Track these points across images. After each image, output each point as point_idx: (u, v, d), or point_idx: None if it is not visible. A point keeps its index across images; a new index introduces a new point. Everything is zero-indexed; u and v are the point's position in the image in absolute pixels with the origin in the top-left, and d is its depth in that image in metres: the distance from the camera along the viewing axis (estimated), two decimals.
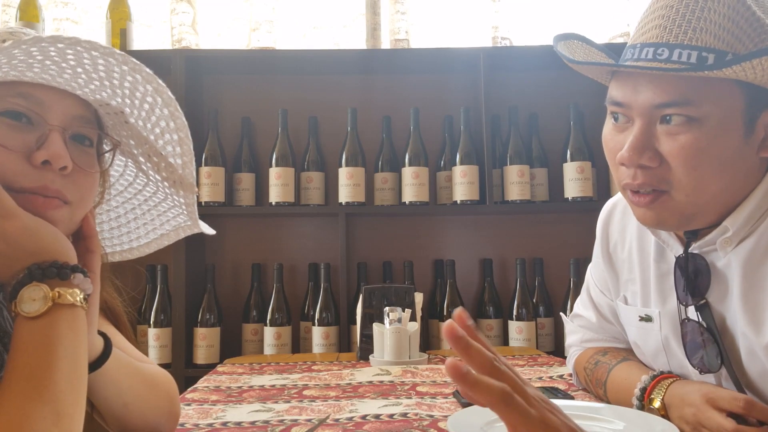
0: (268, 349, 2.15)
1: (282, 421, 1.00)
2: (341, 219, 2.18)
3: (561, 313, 1.35)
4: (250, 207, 2.25)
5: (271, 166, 2.24)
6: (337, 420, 1.00)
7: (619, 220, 1.09)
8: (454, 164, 2.22)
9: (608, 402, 1.05)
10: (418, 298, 1.75)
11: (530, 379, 1.34)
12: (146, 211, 0.88)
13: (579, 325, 1.20)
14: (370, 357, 1.59)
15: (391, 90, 2.42)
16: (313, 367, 1.54)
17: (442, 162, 2.31)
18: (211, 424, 0.98)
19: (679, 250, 0.93)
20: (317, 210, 2.25)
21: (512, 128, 2.27)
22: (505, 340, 2.21)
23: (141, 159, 0.81)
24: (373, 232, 2.38)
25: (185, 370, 2.10)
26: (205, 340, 2.13)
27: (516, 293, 2.22)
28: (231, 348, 2.22)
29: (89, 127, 0.73)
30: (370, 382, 1.33)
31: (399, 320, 1.56)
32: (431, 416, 1.02)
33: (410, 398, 1.16)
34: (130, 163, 0.83)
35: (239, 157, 2.29)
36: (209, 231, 0.88)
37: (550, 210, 2.32)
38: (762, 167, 0.85)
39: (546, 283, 2.29)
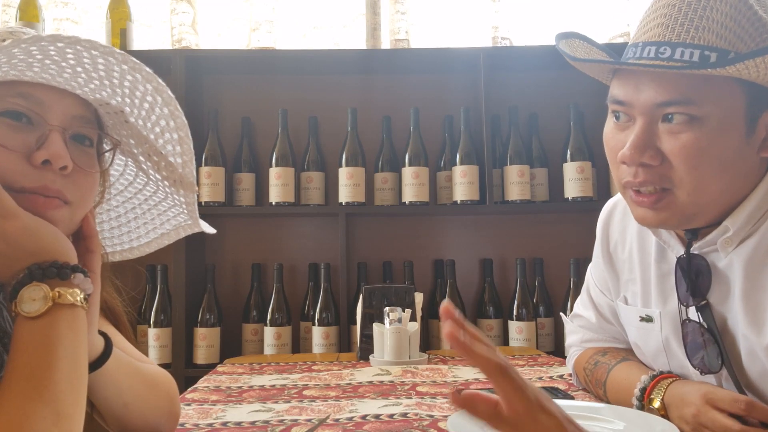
0: (268, 349, 2.15)
1: (282, 421, 1.00)
2: (341, 219, 2.18)
3: (561, 313, 1.35)
4: (250, 207, 2.25)
5: (271, 166, 2.24)
6: (337, 420, 1.00)
7: (619, 221, 1.09)
8: (454, 164, 2.22)
9: (608, 402, 1.05)
10: (418, 298, 1.75)
11: (530, 379, 1.34)
12: (146, 210, 0.88)
13: (579, 326, 1.20)
14: (370, 357, 1.59)
15: (391, 90, 2.42)
16: (313, 367, 1.54)
17: (442, 162, 2.31)
18: (211, 424, 0.98)
19: (680, 251, 0.93)
20: (317, 210, 2.25)
21: (512, 128, 2.27)
22: (505, 340, 2.21)
23: (141, 158, 0.81)
24: (373, 232, 2.38)
25: (185, 370, 2.10)
26: (205, 340, 2.13)
27: (516, 293, 2.22)
28: (231, 348, 2.22)
29: (89, 126, 0.73)
30: (370, 382, 1.33)
31: (399, 320, 1.56)
32: (431, 416, 1.02)
33: (410, 398, 1.16)
34: (130, 163, 0.83)
35: (239, 157, 2.29)
36: (210, 230, 0.88)
37: (550, 210, 2.32)
38: (762, 167, 0.85)
39: (546, 283, 2.29)
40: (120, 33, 2.24)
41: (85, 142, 0.73)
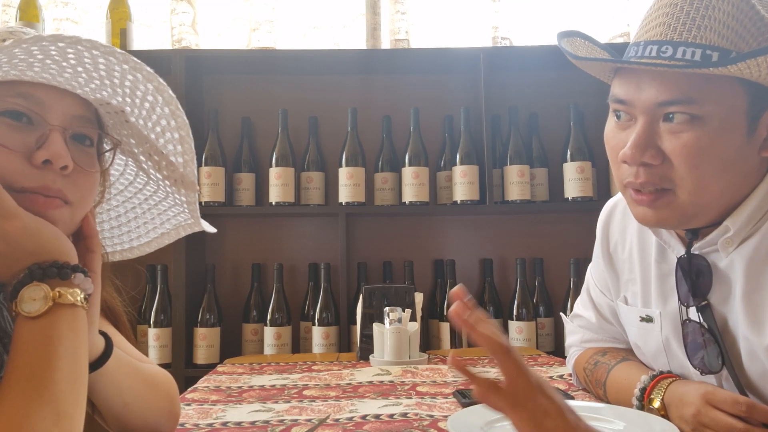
0: (268, 349, 2.15)
1: (282, 421, 1.00)
2: (341, 219, 2.18)
3: (561, 314, 1.35)
4: (250, 207, 2.25)
5: (271, 166, 2.24)
6: (337, 420, 1.00)
7: (619, 221, 1.09)
8: (454, 164, 2.22)
9: (608, 402, 1.05)
10: (418, 298, 1.75)
11: None
12: (146, 210, 0.88)
13: (579, 326, 1.20)
14: (370, 357, 1.59)
15: (391, 90, 2.42)
16: (313, 367, 1.54)
17: (442, 162, 2.31)
18: (211, 424, 0.98)
19: (681, 251, 0.93)
20: (317, 210, 2.25)
21: (512, 128, 2.27)
22: None
23: (141, 158, 0.81)
24: (373, 232, 2.38)
25: (185, 370, 2.10)
26: (205, 340, 2.13)
27: (516, 293, 2.22)
28: (231, 348, 2.22)
29: (89, 126, 0.73)
30: (370, 382, 1.33)
31: (399, 320, 1.56)
32: (431, 416, 1.02)
33: (410, 398, 1.16)
34: (130, 162, 0.83)
35: (239, 157, 2.29)
36: (210, 229, 0.88)
37: (550, 210, 2.32)
38: (763, 167, 0.85)
39: (546, 283, 2.29)
40: (120, 33, 2.24)
41: (86, 142, 0.73)
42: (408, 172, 2.20)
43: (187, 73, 2.21)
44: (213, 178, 2.20)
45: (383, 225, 2.38)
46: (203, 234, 0.89)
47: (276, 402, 1.15)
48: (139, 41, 2.33)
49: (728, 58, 0.77)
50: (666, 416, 0.91)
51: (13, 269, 0.64)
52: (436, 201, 2.30)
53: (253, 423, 0.99)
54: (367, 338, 1.65)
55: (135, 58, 0.68)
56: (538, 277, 2.28)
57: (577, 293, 1.73)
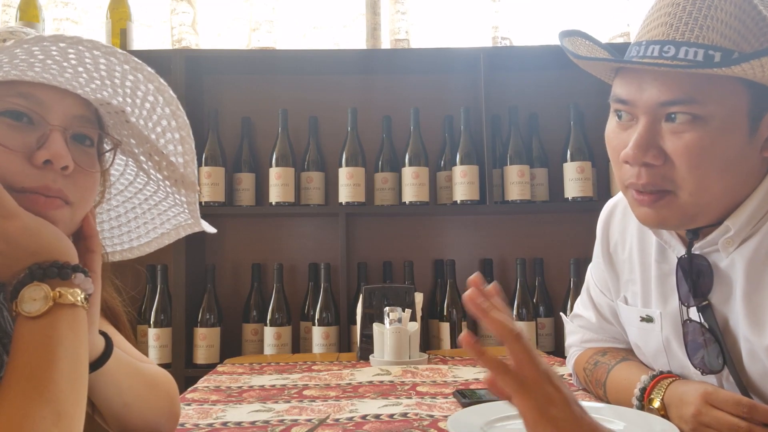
0: (268, 349, 2.15)
1: (282, 421, 1.00)
2: (341, 219, 2.18)
3: (561, 314, 1.35)
4: (250, 207, 2.25)
5: (271, 166, 2.24)
6: (337, 420, 1.00)
7: (619, 221, 1.09)
8: (454, 164, 2.22)
9: (608, 402, 1.05)
10: (418, 298, 1.75)
11: None
12: (146, 210, 0.88)
13: (579, 326, 1.20)
14: (370, 357, 1.59)
15: (391, 90, 2.42)
16: (313, 367, 1.54)
17: (442, 162, 2.31)
18: (211, 424, 0.98)
19: (681, 251, 0.93)
20: (317, 210, 2.25)
21: (512, 128, 2.27)
22: None
23: (142, 158, 0.81)
24: (373, 232, 2.38)
25: (185, 370, 2.10)
26: (205, 340, 2.13)
27: (516, 293, 2.22)
28: (231, 348, 2.22)
29: (90, 126, 0.73)
30: (370, 382, 1.33)
31: (399, 320, 1.56)
32: (431, 416, 1.02)
33: (410, 398, 1.16)
34: (130, 162, 0.83)
35: (239, 157, 2.29)
36: (211, 229, 0.88)
37: (550, 210, 2.32)
38: (764, 167, 0.85)
39: (546, 283, 2.29)
40: (120, 33, 2.24)
41: (86, 142, 0.73)
42: (408, 172, 2.20)
43: (187, 73, 2.21)
44: (213, 178, 2.20)
45: (383, 225, 2.38)
46: (203, 234, 0.89)
47: (276, 402, 1.15)
48: (139, 41, 2.33)
49: (731, 58, 0.77)
50: (666, 416, 0.91)
51: (14, 269, 0.64)
52: (436, 201, 2.30)
53: (253, 423, 0.99)
54: (367, 338, 1.65)
55: (136, 59, 0.68)
56: (538, 277, 2.28)
57: (577, 293, 1.73)
